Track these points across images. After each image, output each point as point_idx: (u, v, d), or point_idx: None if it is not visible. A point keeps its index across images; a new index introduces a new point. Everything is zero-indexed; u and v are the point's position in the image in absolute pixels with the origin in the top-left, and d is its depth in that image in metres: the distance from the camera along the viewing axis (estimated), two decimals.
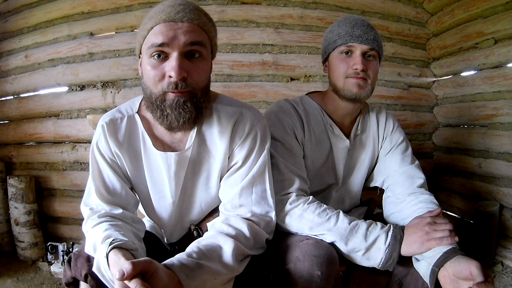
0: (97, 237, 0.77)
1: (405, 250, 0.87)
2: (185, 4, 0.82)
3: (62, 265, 1.94)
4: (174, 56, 0.78)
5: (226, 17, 2.15)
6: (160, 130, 0.92)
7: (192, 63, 0.81)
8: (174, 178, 0.92)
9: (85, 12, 2.18)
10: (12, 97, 2.33)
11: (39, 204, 2.21)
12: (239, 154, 0.92)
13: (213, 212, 1.00)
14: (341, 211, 0.96)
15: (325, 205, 0.97)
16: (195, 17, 0.81)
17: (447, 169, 2.33)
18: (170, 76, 0.78)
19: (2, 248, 2.18)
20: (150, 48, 0.79)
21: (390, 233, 0.89)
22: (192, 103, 0.81)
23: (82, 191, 0.95)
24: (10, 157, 2.33)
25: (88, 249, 0.80)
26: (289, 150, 1.05)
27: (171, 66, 0.78)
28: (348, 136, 1.16)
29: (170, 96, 0.80)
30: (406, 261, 0.89)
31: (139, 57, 0.88)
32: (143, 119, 0.93)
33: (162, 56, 0.79)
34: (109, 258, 0.70)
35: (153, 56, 0.80)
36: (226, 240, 0.81)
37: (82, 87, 2.19)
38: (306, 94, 1.23)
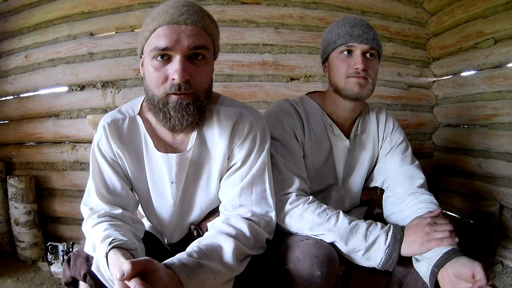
0: (96, 237, 0.77)
1: (405, 251, 0.87)
2: (188, 5, 0.81)
3: (62, 265, 1.94)
4: (177, 59, 0.78)
5: (226, 17, 2.15)
6: (162, 132, 0.92)
7: (195, 65, 0.80)
8: (175, 179, 0.92)
9: (85, 12, 2.18)
10: (12, 97, 2.33)
11: (39, 204, 2.21)
12: (239, 154, 0.92)
13: (213, 212, 1.00)
14: (341, 211, 0.96)
15: (325, 205, 0.97)
16: (199, 19, 0.80)
17: (447, 169, 2.33)
18: (173, 79, 0.78)
19: (2, 248, 2.18)
20: (153, 51, 0.79)
21: (390, 233, 0.89)
22: (195, 106, 0.81)
23: (82, 191, 0.95)
24: (10, 157, 2.33)
25: (88, 249, 0.80)
26: (289, 150, 1.05)
27: (174, 69, 0.77)
28: (348, 136, 1.16)
29: (173, 98, 0.79)
30: (406, 261, 0.89)
31: (141, 57, 0.88)
32: (145, 120, 0.93)
33: (165, 57, 0.79)
34: (108, 257, 0.70)
35: (156, 58, 0.79)
36: (226, 240, 0.81)
37: (82, 87, 2.19)
38: (306, 94, 1.23)
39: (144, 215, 1.06)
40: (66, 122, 2.20)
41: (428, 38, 2.41)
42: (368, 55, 1.06)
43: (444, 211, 2.10)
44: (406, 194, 1.05)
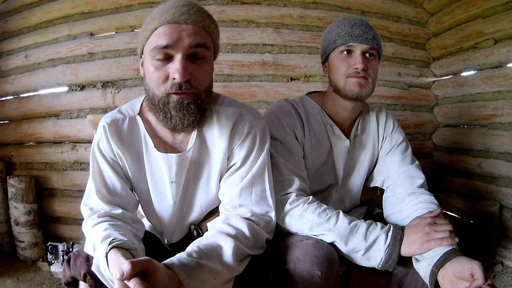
0: (96, 237, 0.77)
1: (405, 251, 0.87)
2: (189, 5, 0.81)
3: (62, 265, 1.94)
4: (178, 58, 0.78)
5: (226, 17, 2.15)
6: (162, 132, 0.92)
7: (196, 65, 0.80)
8: (175, 179, 0.92)
9: (85, 12, 2.18)
10: (12, 97, 2.33)
11: (39, 204, 2.21)
12: (238, 154, 0.92)
13: (213, 212, 1.00)
14: (341, 211, 0.96)
15: (325, 205, 0.97)
16: (199, 19, 0.81)
17: (447, 169, 2.33)
18: (174, 78, 0.78)
19: (2, 248, 2.18)
20: (154, 50, 0.79)
21: (390, 233, 0.89)
22: (196, 105, 0.81)
23: (82, 191, 0.95)
24: (10, 157, 2.33)
25: (88, 249, 0.80)
26: (289, 150, 1.05)
27: (175, 68, 0.77)
28: (348, 136, 1.16)
29: (174, 98, 0.80)
30: (406, 261, 0.89)
31: (141, 57, 0.88)
32: (145, 120, 0.93)
33: (166, 57, 0.79)
34: (108, 257, 0.70)
35: (157, 57, 0.79)
36: (226, 240, 0.81)
37: (82, 87, 2.19)
38: (306, 94, 1.23)
39: (144, 215, 1.06)
40: (66, 122, 2.20)
41: (428, 38, 2.41)
42: (368, 55, 1.06)
43: (444, 211, 2.10)
44: (406, 194, 1.05)
